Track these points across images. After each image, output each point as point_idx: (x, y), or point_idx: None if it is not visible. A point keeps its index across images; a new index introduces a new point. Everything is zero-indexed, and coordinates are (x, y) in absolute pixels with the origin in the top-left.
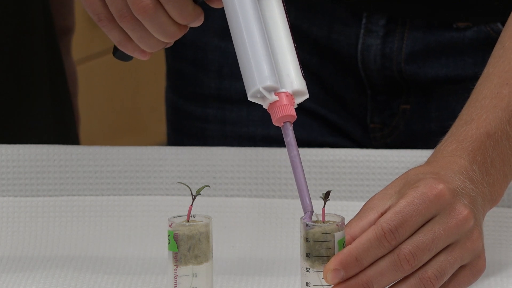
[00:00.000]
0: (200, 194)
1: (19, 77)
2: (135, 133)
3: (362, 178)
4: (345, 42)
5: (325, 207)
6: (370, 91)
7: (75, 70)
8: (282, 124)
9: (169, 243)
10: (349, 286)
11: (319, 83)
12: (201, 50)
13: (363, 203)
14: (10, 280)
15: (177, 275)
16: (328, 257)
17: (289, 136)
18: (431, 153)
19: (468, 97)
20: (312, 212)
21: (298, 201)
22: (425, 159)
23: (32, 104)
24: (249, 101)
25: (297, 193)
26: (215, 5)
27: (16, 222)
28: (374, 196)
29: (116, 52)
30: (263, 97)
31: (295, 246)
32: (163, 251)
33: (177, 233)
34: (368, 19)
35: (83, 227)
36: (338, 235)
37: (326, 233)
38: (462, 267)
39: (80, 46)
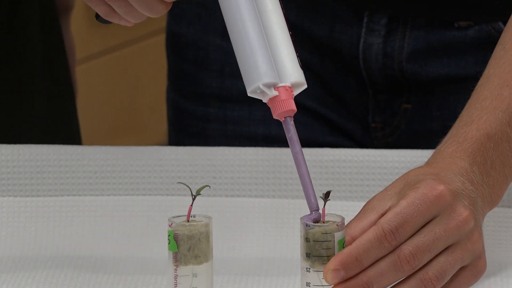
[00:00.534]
0: (200, 194)
1: (19, 77)
2: (135, 133)
3: (362, 178)
4: (346, 41)
5: (325, 207)
6: (371, 90)
7: (74, 44)
8: (283, 118)
9: (169, 243)
10: (349, 286)
11: (320, 82)
12: (203, 50)
13: (363, 203)
14: (10, 280)
15: (177, 275)
16: (328, 257)
17: (291, 131)
18: (431, 154)
19: (469, 97)
20: (317, 211)
21: (299, 201)
22: (425, 159)
23: (32, 104)
24: (251, 100)
25: (297, 193)
26: None
27: (16, 222)
28: (374, 196)
29: (99, 16)
30: (263, 93)
31: (295, 246)
32: (163, 251)
33: (177, 233)
34: (370, 18)
35: (83, 227)
36: (338, 235)
37: (326, 233)
38: (462, 268)
39: (80, 46)
